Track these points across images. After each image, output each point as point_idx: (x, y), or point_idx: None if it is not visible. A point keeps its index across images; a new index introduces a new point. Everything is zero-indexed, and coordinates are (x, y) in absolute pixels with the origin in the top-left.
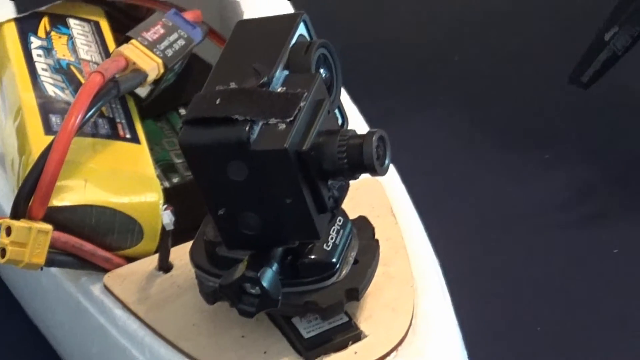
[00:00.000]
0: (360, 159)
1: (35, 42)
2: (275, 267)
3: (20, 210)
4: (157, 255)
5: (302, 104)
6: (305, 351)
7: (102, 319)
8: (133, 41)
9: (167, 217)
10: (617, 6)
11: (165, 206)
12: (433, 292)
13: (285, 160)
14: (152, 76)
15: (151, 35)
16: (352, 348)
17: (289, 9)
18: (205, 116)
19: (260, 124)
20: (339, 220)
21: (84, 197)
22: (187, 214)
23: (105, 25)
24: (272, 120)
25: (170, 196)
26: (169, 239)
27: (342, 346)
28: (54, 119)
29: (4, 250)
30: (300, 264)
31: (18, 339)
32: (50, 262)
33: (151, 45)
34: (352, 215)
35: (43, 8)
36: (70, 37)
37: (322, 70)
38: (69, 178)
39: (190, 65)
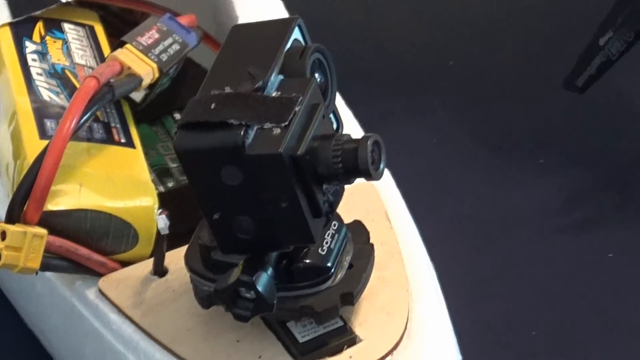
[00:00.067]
0: (355, 164)
1: (30, 46)
2: (270, 271)
3: (15, 214)
4: (152, 260)
5: (297, 109)
6: (300, 355)
7: (96, 323)
8: (128, 46)
9: (162, 222)
10: (611, 11)
11: (160, 210)
12: (428, 296)
13: (280, 165)
14: (146, 81)
15: (146, 39)
16: (347, 352)
17: (284, 14)
18: (200, 120)
19: (255, 128)
20: (334, 225)
21: (78, 202)
22: (182, 218)
23: (100, 30)
24: (267, 125)
25: (165, 200)
26: (164, 243)
27: (337, 350)
28: (49, 123)
29: None
30: (295, 268)
31: (13, 343)
32: (45, 267)
33: (146, 50)
34: (347, 219)
35: (38, 12)
36: (65, 42)
37: (317, 75)
38: (64, 182)
39: (185, 69)
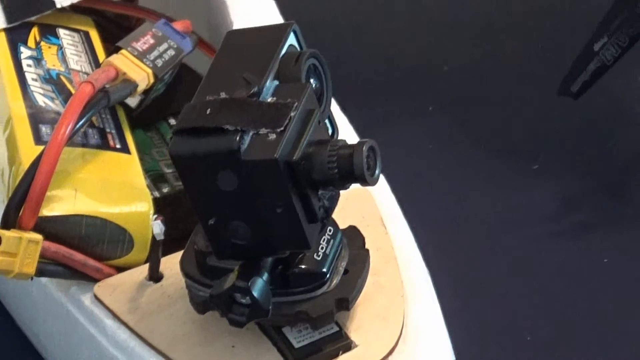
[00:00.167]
0: (350, 169)
1: (25, 52)
2: (265, 276)
3: (10, 220)
4: (147, 265)
5: (292, 114)
6: None
7: (92, 328)
8: (123, 51)
9: (157, 227)
10: (606, 16)
11: (155, 216)
12: (423, 301)
13: (275, 170)
14: (142, 86)
15: (141, 45)
16: (343, 358)
17: (279, 19)
18: (196, 126)
19: (251, 134)
20: (329, 230)
21: (74, 207)
22: (177, 223)
23: (95, 36)
24: (263, 130)
25: (161, 206)
26: (159, 248)
27: (333, 356)
28: (44, 129)
29: None
30: (290, 273)
31: (7, 349)
32: (40, 272)
33: (141, 56)
34: (342, 225)
35: (33, 18)
36: (60, 47)
37: (312, 81)
38: (59, 188)
39: (180, 75)
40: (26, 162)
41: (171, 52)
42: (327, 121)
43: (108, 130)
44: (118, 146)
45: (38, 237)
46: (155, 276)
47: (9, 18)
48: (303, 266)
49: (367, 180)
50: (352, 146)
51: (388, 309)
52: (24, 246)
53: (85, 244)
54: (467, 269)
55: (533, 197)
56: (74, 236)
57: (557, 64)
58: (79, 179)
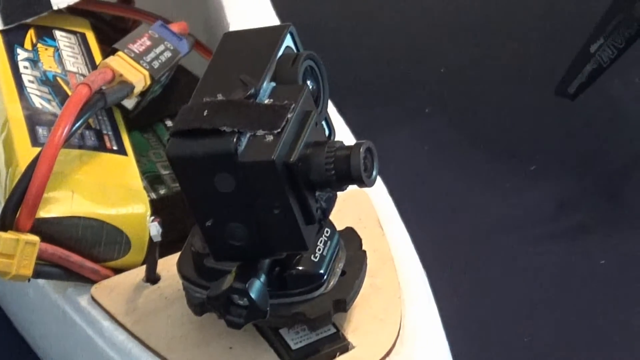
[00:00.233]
0: (347, 171)
1: (21, 54)
2: (263, 278)
3: (7, 221)
4: (144, 267)
5: (289, 116)
6: None
7: (89, 330)
8: (119, 53)
9: (154, 229)
10: (602, 18)
11: (152, 218)
12: (420, 303)
13: (272, 172)
14: (138, 88)
15: (137, 47)
16: (340, 359)
17: (275, 21)
18: (193, 128)
19: (248, 135)
20: (327, 232)
21: (71, 209)
22: (174, 225)
23: (91, 37)
24: (260, 132)
25: (157, 208)
26: (156, 250)
27: (330, 357)
28: (41, 130)
29: None
30: (288, 275)
31: (4, 350)
32: (37, 274)
33: (138, 57)
34: (339, 226)
35: (29, 20)
36: (57, 49)
37: (309, 82)
38: (56, 190)
39: (177, 77)
40: (23, 163)
41: (168, 54)
42: (324, 123)
43: (105, 132)
44: (115, 148)
45: (35, 238)
46: (152, 278)
47: (6, 20)
48: (300, 267)
49: (364, 181)
50: (349, 147)
51: (385, 310)
52: (21, 248)
53: (82, 246)
54: (464, 270)
55: (530, 198)
56: (71, 238)
57: (554, 65)
58: (75, 180)
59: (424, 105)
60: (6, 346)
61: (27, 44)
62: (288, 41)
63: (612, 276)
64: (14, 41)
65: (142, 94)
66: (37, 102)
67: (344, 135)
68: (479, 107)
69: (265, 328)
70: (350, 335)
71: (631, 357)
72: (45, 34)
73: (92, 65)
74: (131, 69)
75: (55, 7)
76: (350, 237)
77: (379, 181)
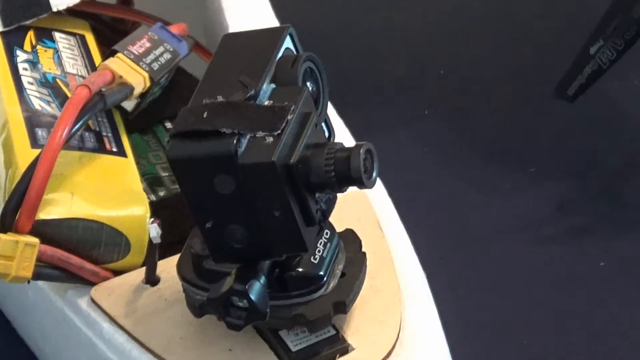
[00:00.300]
0: (347, 172)
1: (21, 55)
2: (263, 280)
3: (7, 223)
4: (144, 269)
5: (289, 117)
6: None
7: (89, 332)
8: (119, 55)
9: (154, 231)
10: (602, 20)
11: (152, 219)
12: (420, 304)
13: (272, 174)
14: (138, 89)
15: (137, 48)
16: None
17: (274, 23)
18: (193, 129)
19: (248, 137)
20: (326, 233)
21: (70, 211)
22: (173, 227)
23: (91, 39)
24: (260, 134)
25: (157, 209)
26: (156, 252)
27: (330, 359)
28: (41, 132)
29: None
30: (287, 276)
31: (4, 352)
32: (37, 276)
33: (137, 59)
34: (339, 228)
35: (29, 22)
36: (56, 51)
37: (308, 84)
38: (55, 191)
39: (176, 78)
40: (22, 165)
41: (167, 56)
42: (323, 124)
43: (104, 133)
44: (114, 149)
45: (35, 240)
46: (152, 279)
47: (5, 21)
48: (300, 269)
49: (364, 183)
50: (349, 149)
51: (385, 312)
52: (21, 250)
53: (81, 248)
54: (463, 272)
55: (529, 200)
56: (71, 239)
57: (553, 67)
58: (75, 182)
59: (424, 107)
60: (6, 348)
61: (27, 46)
62: (287, 43)
63: (611, 277)
64: (13, 43)
65: (142, 95)
66: (37, 103)
67: (344, 136)
68: (478, 108)
69: (265, 330)
70: (350, 337)
71: (631, 357)
72: (44, 35)
73: (91, 66)
74: (131, 71)
75: (54, 9)
76: (350, 238)
77: (378, 183)
